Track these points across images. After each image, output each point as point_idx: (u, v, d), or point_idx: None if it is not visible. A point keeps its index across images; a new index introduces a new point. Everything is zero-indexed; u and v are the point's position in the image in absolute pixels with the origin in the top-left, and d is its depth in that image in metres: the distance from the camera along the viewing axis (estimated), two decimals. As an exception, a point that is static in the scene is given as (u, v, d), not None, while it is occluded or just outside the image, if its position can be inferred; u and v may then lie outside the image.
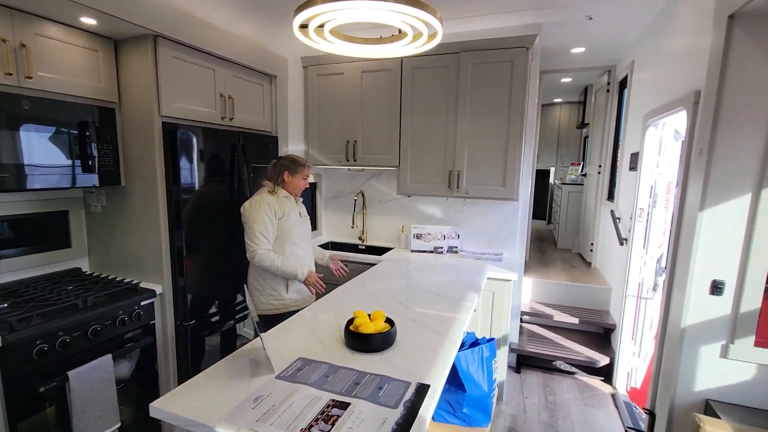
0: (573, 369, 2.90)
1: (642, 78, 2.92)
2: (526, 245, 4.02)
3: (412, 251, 2.93)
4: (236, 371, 1.20)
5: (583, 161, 5.45)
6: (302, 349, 1.35)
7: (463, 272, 2.38)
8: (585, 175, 4.91)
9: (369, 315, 1.45)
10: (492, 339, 1.47)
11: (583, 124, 5.44)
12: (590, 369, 2.85)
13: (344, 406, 1.02)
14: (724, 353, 1.58)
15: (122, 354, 1.80)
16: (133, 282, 1.95)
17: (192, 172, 2.03)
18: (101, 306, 1.71)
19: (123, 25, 1.73)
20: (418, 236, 2.94)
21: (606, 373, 2.83)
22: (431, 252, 2.90)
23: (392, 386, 1.12)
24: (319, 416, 0.98)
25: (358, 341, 1.32)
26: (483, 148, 2.55)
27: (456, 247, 2.91)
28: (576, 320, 3.09)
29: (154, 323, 1.97)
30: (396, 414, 0.99)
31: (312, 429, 0.93)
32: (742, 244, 1.53)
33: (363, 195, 3.22)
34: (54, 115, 1.69)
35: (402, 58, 2.66)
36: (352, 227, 3.08)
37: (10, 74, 1.54)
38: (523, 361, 2.97)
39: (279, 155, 2.28)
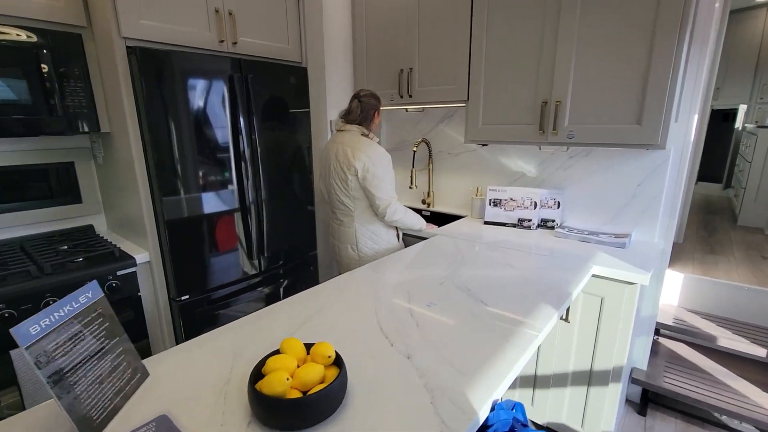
0: (749, 427, 1.79)
1: None
2: (680, 222, 2.73)
3: (486, 223, 2.11)
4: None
5: (803, 93, 3.51)
6: (183, 398, 0.79)
7: (553, 263, 1.51)
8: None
9: (309, 348, 0.81)
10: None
11: (810, 33, 3.44)
12: (782, 434, 1.71)
13: None
14: None
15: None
16: (116, 247, 1.67)
17: (173, 114, 1.59)
18: (60, 274, 1.45)
19: None
20: (496, 202, 2.09)
21: (816, 448, 1.66)
22: (514, 226, 2.03)
23: None
24: None
25: (264, 409, 0.71)
26: (602, 64, 1.52)
27: (553, 221, 1.98)
28: (763, 351, 1.89)
29: (140, 296, 1.68)
30: None
31: None
32: None
33: (428, 145, 2.45)
34: (-2, 43, 1.39)
35: (475, -72, 1.72)
36: (411, 187, 2.38)
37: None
38: (654, 398, 1.96)
39: (356, 94, 1.78)
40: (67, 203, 1.88)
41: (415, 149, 2.30)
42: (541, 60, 1.66)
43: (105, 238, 1.84)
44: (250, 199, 1.86)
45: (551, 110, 1.65)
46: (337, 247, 1.93)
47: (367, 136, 1.78)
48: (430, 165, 2.48)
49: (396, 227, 1.91)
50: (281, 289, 2.12)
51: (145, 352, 1.72)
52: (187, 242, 1.70)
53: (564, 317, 1.60)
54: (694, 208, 4.02)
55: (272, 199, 1.99)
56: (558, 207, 1.98)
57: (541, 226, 2.01)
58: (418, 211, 2.56)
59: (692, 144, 1.80)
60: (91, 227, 1.96)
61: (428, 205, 2.53)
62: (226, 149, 1.76)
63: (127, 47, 1.49)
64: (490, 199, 2.10)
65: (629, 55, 1.46)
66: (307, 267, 2.24)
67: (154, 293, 1.72)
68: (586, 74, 1.56)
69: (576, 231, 1.85)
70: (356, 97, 1.78)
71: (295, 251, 2.16)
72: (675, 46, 1.37)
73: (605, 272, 1.47)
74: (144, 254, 1.67)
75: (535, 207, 2.00)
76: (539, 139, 1.72)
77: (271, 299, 2.07)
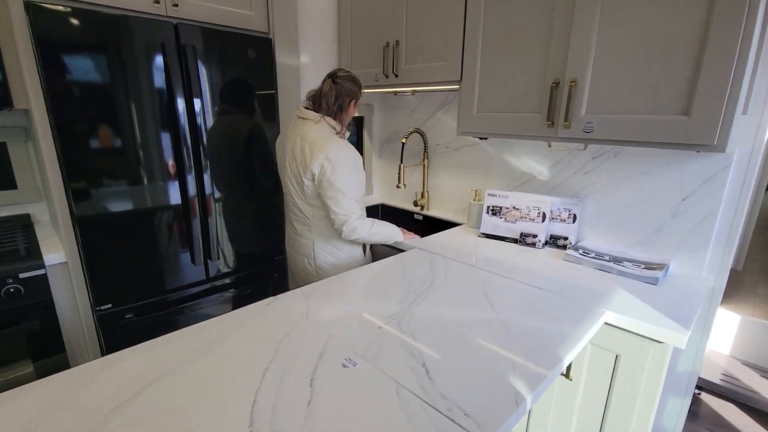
0: None
1: None
2: (740, 243, 2.18)
3: (481, 235, 1.71)
4: None
5: None
6: None
7: (550, 303, 1.11)
8: None
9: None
10: None
11: None
12: None
13: None
14: None
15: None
16: (27, 244, 1.43)
17: (85, 89, 1.31)
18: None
19: None
20: (495, 210, 1.68)
21: None
22: (515, 242, 1.62)
23: None
24: None
25: None
26: (637, 26, 1.07)
27: (566, 239, 1.55)
28: None
29: (53, 303, 1.44)
30: None
31: None
32: None
33: (423, 137, 2.06)
34: None
35: None
36: (399, 186, 2.01)
37: None
38: (687, 475, 1.51)
39: (332, 73, 1.42)
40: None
41: (404, 141, 1.92)
42: (554, 23, 1.23)
43: (36, 231, 1.62)
44: (192, 194, 1.57)
45: (564, 93, 1.22)
46: (292, 257, 1.62)
47: (336, 131, 1.43)
48: (426, 161, 2.10)
49: None
50: (239, 299, 1.84)
51: (63, 366, 1.49)
52: (106, 242, 1.44)
53: (564, 372, 1.20)
54: (762, 222, 3.35)
55: (226, 195, 1.70)
56: (574, 221, 1.55)
57: (550, 243, 1.58)
58: (410, 214, 2.19)
59: (765, 145, 1.31)
60: (27, 216, 1.75)
61: (421, 207, 2.15)
62: (160, 135, 1.47)
63: (24, 4, 1.21)
64: (488, 207, 1.69)
65: (676, 14, 1.01)
66: (271, 274, 1.94)
67: (74, 300, 1.48)
68: (614, 41, 1.12)
69: (594, 254, 1.42)
70: (331, 77, 1.43)
71: (256, 256, 1.86)
72: (747, 4, 0.92)
73: (623, 322, 1.05)
74: (58, 254, 1.42)
75: (543, 219, 1.58)
76: (547, 132, 1.30)
77: (224, 310, 1.78)
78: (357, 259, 1.58)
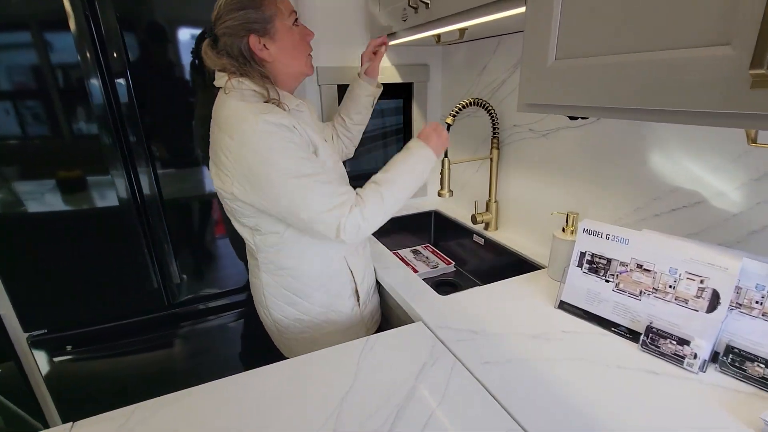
0: None
1: None
2: None
3: (561, 305, 0.88)
4: None
5: None
6: None
7: None
8: None
9: None
10: None
11: None
12: None
13: None
14: None
15: None
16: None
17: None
18: None
19: None
20: (594, 264, 0.83)
21: None
22: (630, 339, 0.76)
23: None
24: None
25: None
26: None
27: (772, 363, 0.64)
28: None
29: (-9, 317, 1.23)
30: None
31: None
32: None
33: (492, 113, 1.25)
34: None
35: None
36: (442, 194, 1.26)
37: None
38: None
39: (207, 28, 0.86)
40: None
41: (450, 121, 1.16)
42: None
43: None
44: (125, 197, 1.16)
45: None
46: (255, 302, 1.11)
47: (265, 98, 0.82)
48: (495, 152, 1.29)
49: (351, 273, 0.96)
50: (213, 332, 1.42)
51: (12, 378, 1.30)
52: (22, 250, 1.13)
53: None
54: None
55: (188, 195, 1.26)
56: (802, 325, 0.62)
57: (725, 365, 0.68)
58: (468, 233, 1.43)
59: None
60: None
61: (485, 225, 1.36)
62: (84, 112, 1.08)
63: None
64: (582, 253, 0.86)
65: None
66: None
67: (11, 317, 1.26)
68: None
69: None
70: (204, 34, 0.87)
71: (235, 277, 1.40)
72: None
73: None
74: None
75: (713, 305, 0.68)
76: (751, 102, 0.43)
77: (192, 344, 1.39)
78: (344, 314, 0.98)
